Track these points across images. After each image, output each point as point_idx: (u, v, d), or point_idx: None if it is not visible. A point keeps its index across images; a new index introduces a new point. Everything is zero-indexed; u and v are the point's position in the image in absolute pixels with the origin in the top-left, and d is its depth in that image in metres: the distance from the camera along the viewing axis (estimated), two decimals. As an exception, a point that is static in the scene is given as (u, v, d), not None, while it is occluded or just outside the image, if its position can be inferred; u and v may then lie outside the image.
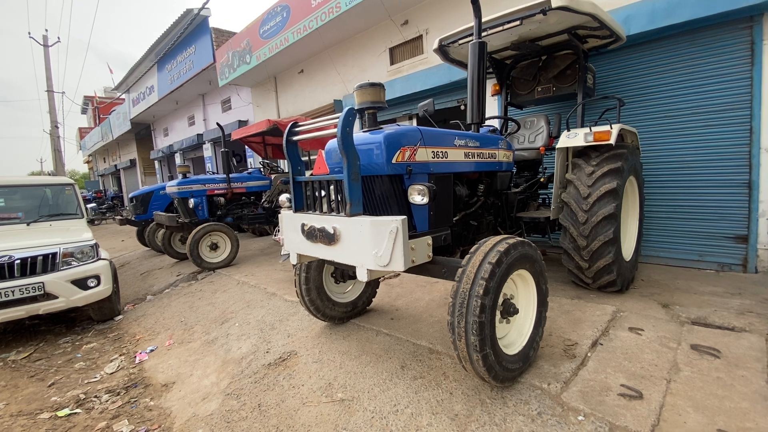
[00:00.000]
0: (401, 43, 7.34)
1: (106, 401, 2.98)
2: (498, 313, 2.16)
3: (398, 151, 2.32)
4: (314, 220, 2.36)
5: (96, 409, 2.88)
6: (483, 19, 3.11)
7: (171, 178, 17.63)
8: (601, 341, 2.67)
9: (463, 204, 3.07)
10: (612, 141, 3.23)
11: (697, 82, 4.12)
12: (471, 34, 3.61)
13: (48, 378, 3.48)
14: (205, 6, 9.34)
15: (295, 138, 2.56)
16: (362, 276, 2.11)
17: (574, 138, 3.42)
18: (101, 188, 26.86)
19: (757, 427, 1.81)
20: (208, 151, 14.00)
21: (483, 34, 3.50)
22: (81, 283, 4.27)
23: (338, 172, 2.27)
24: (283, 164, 9.06)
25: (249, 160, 11.84)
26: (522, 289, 2.41)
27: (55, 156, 17.44)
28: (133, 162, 22.87)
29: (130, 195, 7.99)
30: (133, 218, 7.99)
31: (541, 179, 4.14)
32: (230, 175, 6.81)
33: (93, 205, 19.05)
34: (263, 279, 5.14)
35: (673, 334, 2.72)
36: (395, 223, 1.94)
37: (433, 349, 2.74)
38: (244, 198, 7.19)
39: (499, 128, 3.95)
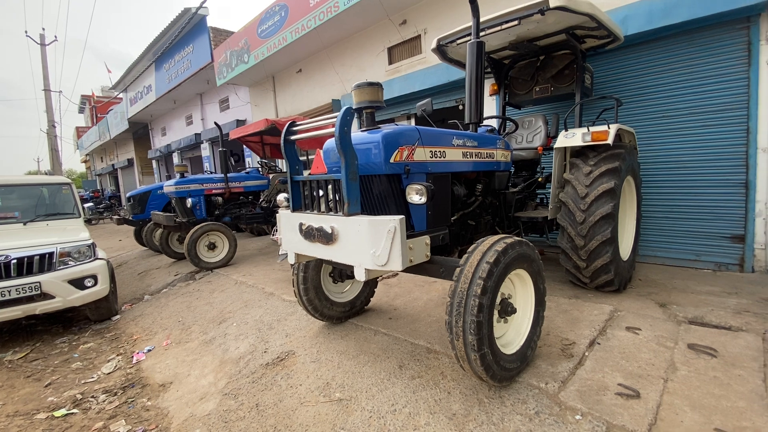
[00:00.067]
0: (399, 43, 7.34)
1: (103, 401, 2.96)
2: (496, 312, 2.17)
3: (396, 151, 2.32)
4: (312, 219, 2.36)
5: (93, 410, 2.87)
6: (481, 19, 3.11)
7: (169, 177, 17.57)
8: (598, 340, 2.67)
9: (461, 204, 3.07)
10: (610, 141, 3.23)
11: (694, 82, 4.13)
12: (469, 34, 3.60)
13: (45, 378, 3.46)
14: (203, 5, 9.32)
15: (293, 137, 2.56)
16: (360, 275, 2.11)
17: (572, 138, 3.43)
18: (99, 188, 26.76)
19: (754, 426, 1.82)
20: (206, 150, 13.96)
21: (481, 33, 3.50)
22: (78, 283, 4.25)
23: (336, 172, 2.26)
24: (281, 164, 9.05)
25: (247, 159, 11.82)
26: (520, 288, 2.41)
27: (52, 155, 17.36)
28: (130, 161, 22.79)
29: (127, 194, 7.97)
30: (130, 218, 7.97)
31: (539, 179, 4.15)
32: (228, 175, 6.79)
33: (90, 204, 19.04)
34: (261, 279, 5.13)
35: (671, 333, 2.73)
36: (393, 222, 1.94)
37: (431, 348, 2.74)
38: (242, 197, 7.18)
39: (497, 128, 3.96)
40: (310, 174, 2.48)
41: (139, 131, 20.66)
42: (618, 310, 3.14)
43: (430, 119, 3.22)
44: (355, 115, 2.22)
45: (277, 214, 2.77)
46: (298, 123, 2.55)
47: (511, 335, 2.37)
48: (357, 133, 2.39)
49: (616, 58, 4.62)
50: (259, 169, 7.86)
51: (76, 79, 26.74)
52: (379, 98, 2.28)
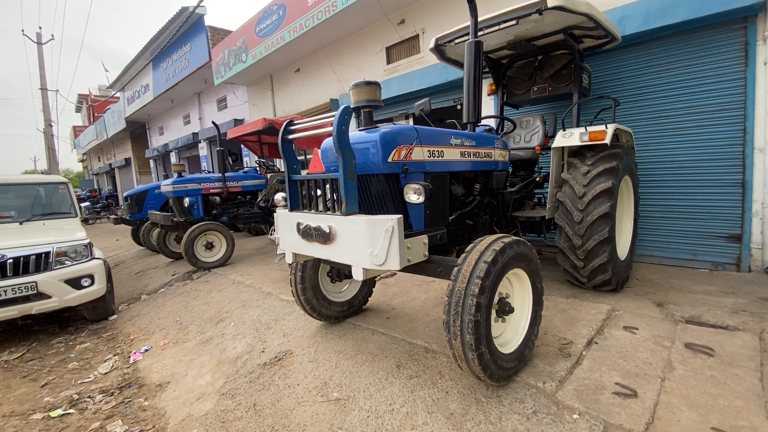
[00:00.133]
0: (398, 43, 7.33)
1: (100, 401, 2.95)
2: (493, 311, 2.16)
3: (394, 150, 2.31)
4: (310, 219, 2.35)
5: (89, 410, 2.85)
6: (479, 19, 3.11)
7: (166, 177, 17.48)
8: (596, 340, 2.68)
9: (459, 203, 3.07)
10: (607, 141, 3.24)
11: (691, 82, 4.14)
12: (467, 34, 3.60)
13: (41, 378, 3.44)
14: (201, 4, 9.29)
15: (291, 137, 2.55)
16: (358, 275, 2.10)
17: (570, 137, 3.44)
18: (96, 187, 26.67)
19: (750, 425, 1.83)
20: (203, 149, 13.92)
21: (479, 33, 3.51)
22: (74, 283, 4.23)
23: (334, 171, 2.26)
24: (279, 163, 9.03)
25: (245, 159, 11.79)
26: (517, 288, 2.41)
27: (49, 154, 17.27)
28: (128, 161, 22.70)
29: (124, 194, 7.94)
30: (127, 217, 7.95)
31: (537, 179, 4.16)
32: (226, 174, 6.77)
33: (87, 204, 18.94)
34: (259, 278, 5.12)
35: (668, 332, 2.73)
36: (391, 222, 1.94)
37: (428, 348, 2.74)
38: (239, 197, 7.16)
39: (495, 128, 3.96)
40: (307, 173, 2.47)
41: (137, 130, 20.58)
42: (615, 309, 3.14)
43: (428, 119, 3.22)
44: (353, 115, 2.22)
45: (274, 214, 2.76)
46: (295, 122, 2.55)
47: (509, 334, 2.37)
48: (355, 133, 2.39)
49: (613, 58, 4.63)
50: (257, 168, 7.84)
51: (73, 78, 26.68)
52: (377, 97, 2.28)
